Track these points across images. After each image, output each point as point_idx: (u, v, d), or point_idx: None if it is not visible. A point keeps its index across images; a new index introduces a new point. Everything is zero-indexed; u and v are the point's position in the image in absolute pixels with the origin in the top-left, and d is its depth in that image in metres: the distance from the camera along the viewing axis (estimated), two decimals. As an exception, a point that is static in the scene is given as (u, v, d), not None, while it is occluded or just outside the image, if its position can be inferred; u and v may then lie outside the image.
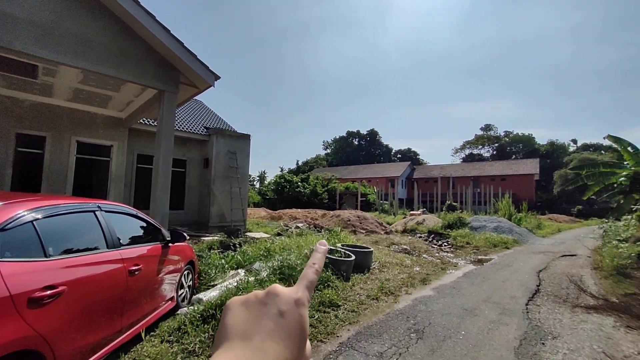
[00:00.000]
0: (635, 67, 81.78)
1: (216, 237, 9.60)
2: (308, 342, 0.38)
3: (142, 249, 3.56)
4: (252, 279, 5.14)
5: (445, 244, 12.26)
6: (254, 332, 0.35)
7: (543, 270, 8.04)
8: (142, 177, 11.58)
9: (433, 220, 16.09)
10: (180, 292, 4.63)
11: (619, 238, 10.99)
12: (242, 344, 0.34)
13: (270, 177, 51.63)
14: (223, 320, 0.38)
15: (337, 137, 78.70)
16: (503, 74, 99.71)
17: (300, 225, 14.02)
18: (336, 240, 8.30)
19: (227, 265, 6.34)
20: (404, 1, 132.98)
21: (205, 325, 3.83)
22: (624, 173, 12.68)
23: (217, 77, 7.55)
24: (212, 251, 7.48)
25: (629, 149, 13.05)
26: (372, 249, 7.59)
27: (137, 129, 11.35)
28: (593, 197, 17.81)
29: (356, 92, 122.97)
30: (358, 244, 8.67)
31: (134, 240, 3.56)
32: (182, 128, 12.61)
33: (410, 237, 13.34)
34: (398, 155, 74.25)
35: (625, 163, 13.34)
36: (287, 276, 5.33)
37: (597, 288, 6.36)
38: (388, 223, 18.08)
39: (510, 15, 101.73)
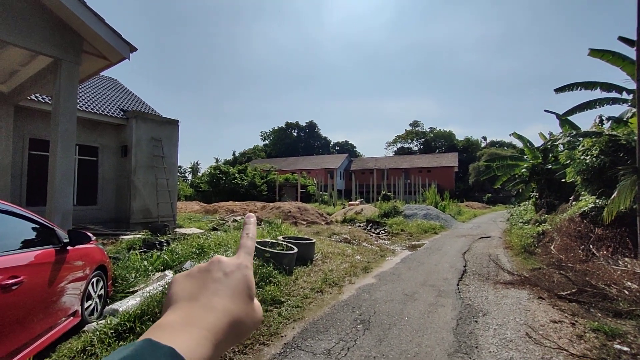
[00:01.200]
0: (526, 76, 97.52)
1: (139, 235, 8.39)
2: (257, 301, 0.39)
3: (24, 256, 2.72)
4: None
5: (383, 231, 12.82)
6: (200, 293, 0.36)
7: (467, 252, 8.87)
8: (37, 166, 9.50)
9: (370, 210, 16.76)
10: (87, 304, 3.78)
11: (521, 221, 12.83)
12: (189, 304, 0.35)
13: (204, 169, 48.22)
14: (169, 292, 0.38)
15: (276, 127, 77.29)
16: (426, 74, 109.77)
17: (238, 218, 13.24)
18: (277, 233, 7.93)
19: (151, 267, 5.49)
20: None
21: (121, 342, 3.16)
22: (525, 165, 14.83)
23: (133, 49, 6.41)
24: (132, 252, 6.45)
25: (529, 145, 15.26)
26: (314, 240, 7.43)
27: (28, 107, 9.21)
28: (499, 186, 20.64)
29: (292, 83, 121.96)
30: (300, 236, 8.43)
31: (11, 246, 2.70)
32: (92, 109, 10.68)
33: (350, 227, 13.63)
34: (336, 148, 76.26)
35: (525, 157, 15.65)
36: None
37: (510, 265, 7.21)
38: (328, 214, 18.30)
39: (431, 23, 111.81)
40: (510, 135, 15.95)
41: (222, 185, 28.81)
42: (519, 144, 17.24)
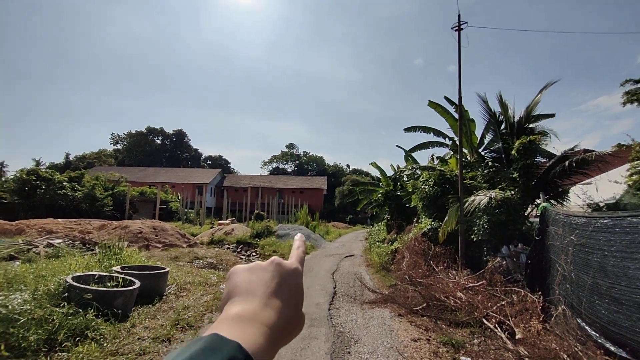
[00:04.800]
0: (377, 118, 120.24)
1: None
2: (303, 312, 0.42)
3: None
4: None
5: (254, 253, 11.99)
6: (259, 290, 0.38)
7: (335, 271, 9.11)
8: None
9: (242, 230, 15.66)
10: None
11: (378, 240, 14.55)
12: (250, 298, 0.37)
13: (14, 173, 35.12)
14: (229, 282, 0.40)
15: (133, 131, 65.63)
16: (301, 101, 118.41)
17: (57, 242, 9.71)
18: (113, 262, 5.96)
19: None
20: (219, 3, 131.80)
21: None
22: (381, 191, 17.20)
23: None
24: None
25: (384, 174, 17.83)
26: (167, 269, 5.94)
27: None
28: (360, 208, 23.40)
29: (155, 83, 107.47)
30: (149, 264, 6.67)
31: None
32: None
33: (217, 249, 12.17)
34: (208, 162, 70.95)
35: (381, 184, 18.24)
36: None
37: (372, 283, 7.70)
38: (193, 234, 16.05)
39: (304, 55, 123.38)
40: (369, 164, 18.33)
41: (41, 197, 21.44)
42: (375, 173, 20.12)
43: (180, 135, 68.69)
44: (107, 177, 29.16)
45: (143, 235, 13.05)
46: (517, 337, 4.01)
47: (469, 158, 10.53)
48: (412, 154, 15.90)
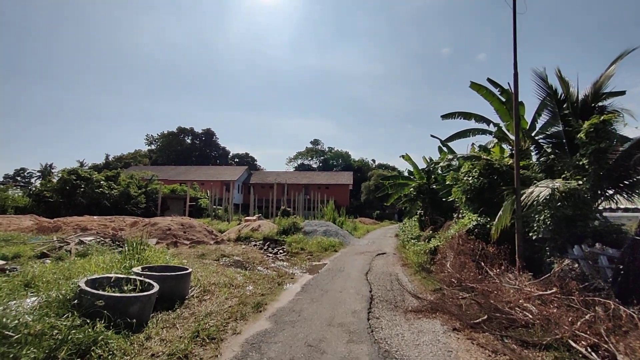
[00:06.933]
0: (405, 112, 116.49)
1: None
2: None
3: None
4: None
5: (281, 251, 11.51)
6: None
7: (368, 272, 8.35)
8: None
9: (269, 227, 15.28)
10: None
11: (411, 236, 13.57)
12: None
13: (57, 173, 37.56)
14: None
15: (166, 132, 68.11)
16: (324, 97, 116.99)
17: (88, 239, 9.75)
18: (134, 262, 5.62)
19: None
20: (243, 5, 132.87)
21: None
22: (413, 185, 16.11)
23: None
24: None
25: (416, 166, 16.69)
26: (189, 270, 5.50)
27: None
28: (389, 204, 22.35)
29: (185, 86, 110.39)
30: (172, 264, 6.30)
31: None
32: None
33: (244, 247, 11.83)
34: (235, 159, 72.21)
35: (413, 177, 17.13)
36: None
37: (412, 286, 6.88)
38: (220, 231, 15.93)
39: (326, 52, 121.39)
40: (400, 156, 17.27)
41: (80, 195, 22.44)
42: (402, 167, 18.99)
43: (209, 134, 70.41)
44: (140, 175, 30.21)
45: (171, 232, 13.02)
46: (620, 366, 3.08)
47: (521, 145, 9.27)
48: (448, 144, 14.67)
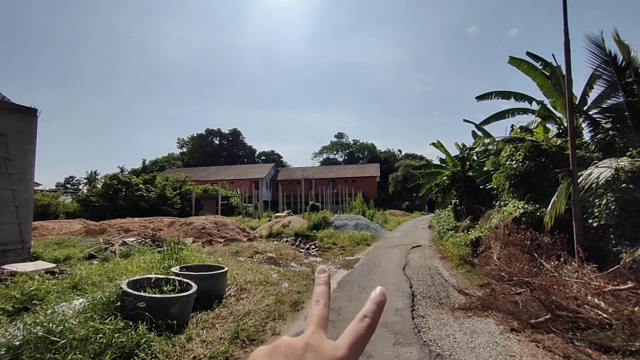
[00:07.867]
0: (430, 98, 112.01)
1: None
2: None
3: None
4: None
5: (313, 246, 11.39)
6: None
7: (406, 266, 7.98)
8: None
9: (299, 222, 15.25)
10: None
11: (447, 227, 12.91)
12: None
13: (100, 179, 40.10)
14: None
15: (195, 134, 70.61)
16: (346, 89, 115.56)
17: (130, 240, 10.20)
18: (173, 262, 5.69)
19: None
20: (260, 3, 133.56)
21: None
22: (446, 173, 15.32)
23: None
24: None
25: (449, 153, 15.84)
26: (226, 269, 5.48)
27: None
28: (419, 194, 21.54)
29: (210, 88, 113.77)
30: (209, 262, 6.34)
31: None
32: None
33: (276, 243, 11.85)
34: (262, 157, 73.47)
35: (446, 165, 16.30)
36: None
37: (455, 280, 6.44)
38: (252, 228, 16.14)
39: (346, 43, 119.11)
40: (431, 144, 16.42)
41: (122, 199, 23.80)
42: (430, 156, 18.10)
43: (235, 134, 72.10)
44: (174, 177, 31.52)
45: (206, 231, 13.35)
46: None
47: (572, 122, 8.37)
48: (484, 127, 13.74)
